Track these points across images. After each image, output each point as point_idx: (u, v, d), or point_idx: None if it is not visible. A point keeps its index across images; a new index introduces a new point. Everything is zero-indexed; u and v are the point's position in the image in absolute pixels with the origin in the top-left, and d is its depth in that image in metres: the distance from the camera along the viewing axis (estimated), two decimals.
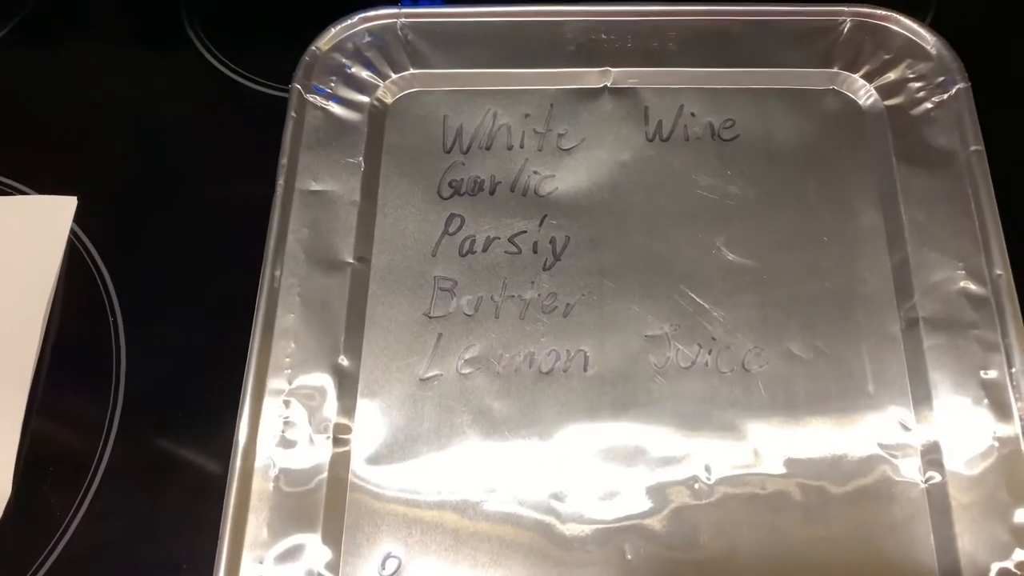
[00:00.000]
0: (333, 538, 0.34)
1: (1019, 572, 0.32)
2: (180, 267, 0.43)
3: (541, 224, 0.40)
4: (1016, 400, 0.35)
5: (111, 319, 0.42)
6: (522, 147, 0.41)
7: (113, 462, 0.38)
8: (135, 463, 0.38)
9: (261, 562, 0.33)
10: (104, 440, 0.39)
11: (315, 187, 0.40)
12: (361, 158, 0.41)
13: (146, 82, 0.48)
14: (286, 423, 0.36)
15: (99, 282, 0.42)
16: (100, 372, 0.40)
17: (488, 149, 0.41)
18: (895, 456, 0.35)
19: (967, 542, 0.33)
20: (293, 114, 0.41)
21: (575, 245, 0.39)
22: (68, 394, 0.40)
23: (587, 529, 0.34)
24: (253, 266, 0.39)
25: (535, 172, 0.41)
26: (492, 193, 0.41)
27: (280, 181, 0.40)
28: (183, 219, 0.44)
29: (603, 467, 0.35)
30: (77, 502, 0.38)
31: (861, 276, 0.38)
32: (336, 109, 0.42)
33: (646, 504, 0.34)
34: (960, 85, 0.40)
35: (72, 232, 0.43)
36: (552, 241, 0.40)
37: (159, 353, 0.40)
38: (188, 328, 0.41)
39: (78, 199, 0.44)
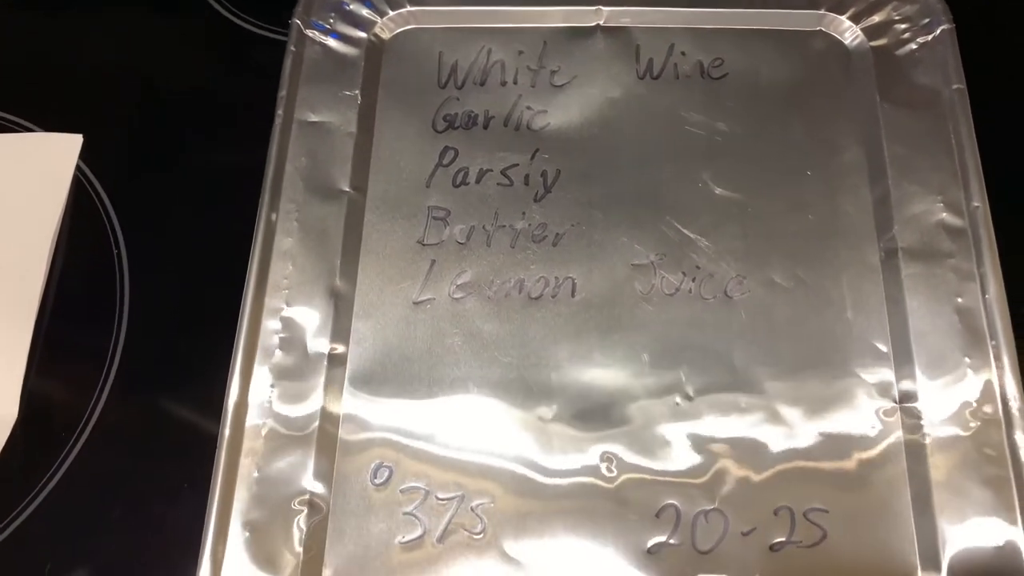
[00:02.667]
0: (327, 449, 0.36)
1: (987, 488, 0.33)
2: (184, 201, 0.44)
3: (533, 158, 0.41)
4: (988, 325, 0.36)
5: (115, 251, 0.43)
6: (515, 83, 0.42)
7: (117, 386, 0.40)
8: (138, 387, 0.40)
9: (257, 470, 0.35)
10: (108, 365, 0.40)
11: (313, 118, 0.41)
12: (358, 92, 0.42)
13: (151, 24, 0.49)
14: (283, 340, 0.37)
15: (103, 216, 0.44)
16: (105, 300, 0.41)
17: (482, 85, 0.42)
18: (870, 378, 0.36)
19: (939, 460, 0.34)
20: (292, 48, 0.42)
21: (566, 178, 0.41)
22: (74, 321, 0.42)
23: (570, 445, 0.35)
24: (255, 199, 0.40)
25: (528, 108, 0.42)
26: (486, 127, 0.42)
27: (279, 111, 0.41)
28: (186, 155, 0.45)
29: (588, 386, 0.37)
30: (81, 424, 0.39)
31: (843, 209, 0.39)
32: (334, 44, 0.43)
33: (627, 421, 0.36)
34: (944, 26, 0.41)
35: (79, 169, 0.44)
36: (543, 174, 0.41)
37: (163, 282, 0.42)
38: (191, 258, 0.42)
39: (85, 138, 0.45)
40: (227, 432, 0.35)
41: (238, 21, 0.48)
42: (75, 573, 0.36)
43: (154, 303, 0.42)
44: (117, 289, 0.42)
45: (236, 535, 0.34)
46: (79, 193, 0.44)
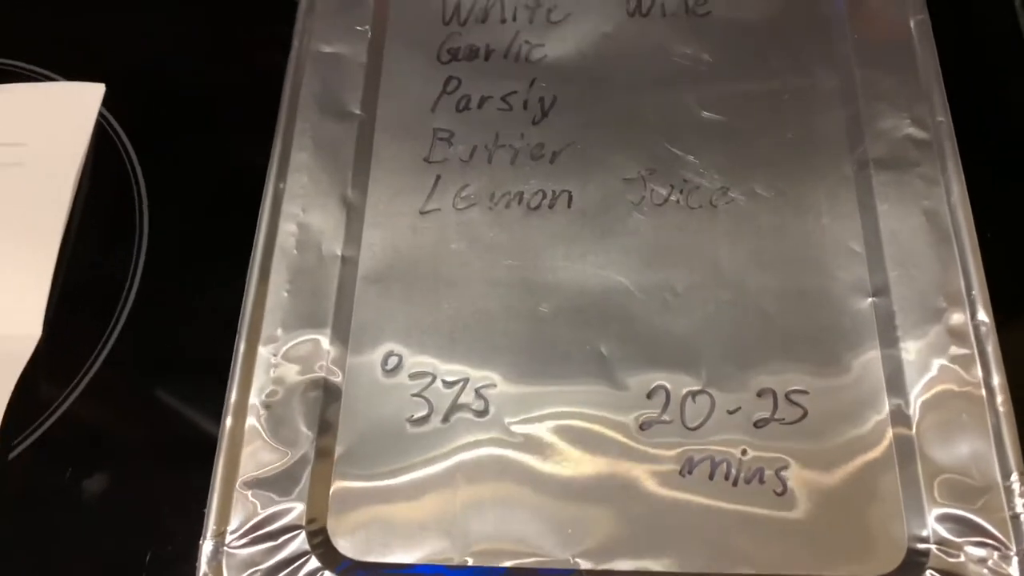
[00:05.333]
0: (341, 337, 0.38)
1: (954, 365, 0.36)
2: (200, 141, 0.46)
3: (531, 85, 0.44)
4: (953, 224, 0.39)
5: (135, 187, 0.45)
6: (514, 20, 0.46)
7: (136, 308, 0.42)
8: (156, 308, 0.42)
9: (275, 355, 0.37)
10: (128, 289, 0.43)
11: (327, 49, 0.44)
12: (368, 26, 0.45)
13: None
14: (299, 242, 0.40)
15: (124, 157, 0.46)
16: (125, 231, 0.44)
17: (483, 22, 0.46)
18: (846, 276, 0.39)
19: (910, 345, 0.37)
20: None
21: (561, 104, 0.44)
22: (96, 250, 0.44)
23: (567, 336, 0.38)
24: (268, 139, 0.43)
25: (526, 42, 0.45)
26: (487, 59, 0.45)
27: (295, 42, 0.44)
28: (206, 92, 0.48)
29: (583, 285, 0.39)
30: (102, 342, 0.41)
31: (818, 127, 0.42)
32: None
33: (620, 315, 0.38)
34: None
35: (103, 117, 0.47)
36: (541, 100, 0.44)
37: (180, 213, 0.44)
38: (208, 192, 0.45)
39: (110, 85, 0.47)
40: (246, 326, 0.38)
41: None
42: (94, 476, 0.39)
43: (172, 232, 0.44)
44: (136, 221, 0.44)
45: (254, 416, 0.36)
46: (102, 137, 0.47)
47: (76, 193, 0.45)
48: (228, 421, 0.36)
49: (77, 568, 0.37)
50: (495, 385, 0.37)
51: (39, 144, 0.46)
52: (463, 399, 0.37)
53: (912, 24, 0.43)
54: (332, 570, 0.33)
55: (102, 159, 0.46)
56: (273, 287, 0.39)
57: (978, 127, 0.42)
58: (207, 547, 0.34)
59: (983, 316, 0.37)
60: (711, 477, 0.35)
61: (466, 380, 0.37)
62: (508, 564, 0.33)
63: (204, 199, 0.45)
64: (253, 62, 0.48)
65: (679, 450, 0.35)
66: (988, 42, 0.46)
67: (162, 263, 0.43)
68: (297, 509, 0.34)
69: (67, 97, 0.48)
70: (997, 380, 0.35)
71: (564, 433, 0.36)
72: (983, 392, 0.35)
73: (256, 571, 0.33)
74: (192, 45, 0.50)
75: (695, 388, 0.37)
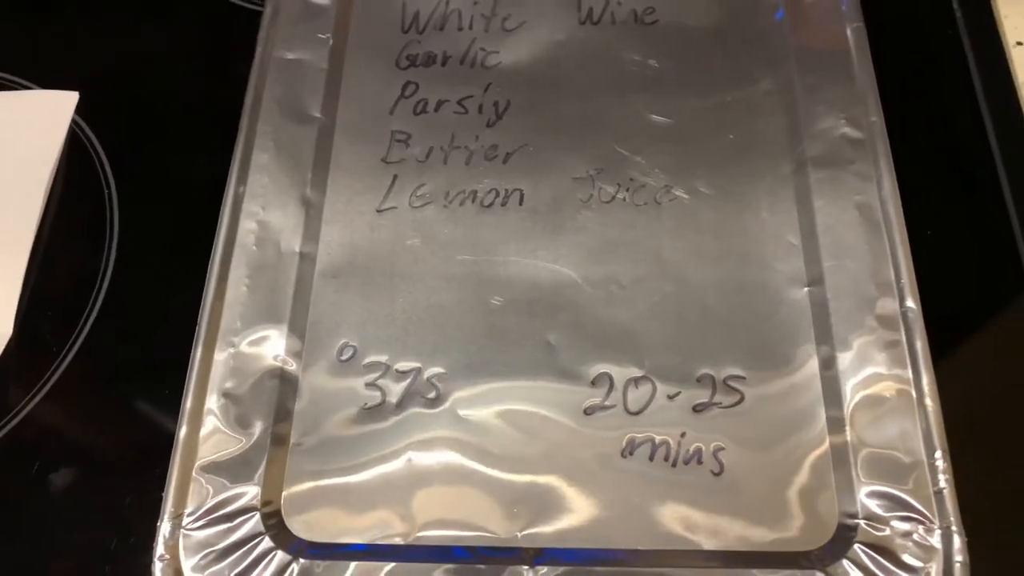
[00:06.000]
0: (298, 330, 0.40)
1: (883, 350, 0.38)
2: (169, 145, 0.48)
3: (486, 90, 0.46)
4: (884, 217, 0.41)
5: (107, 191, 0.47)
6: (471, 28, 0.48)
7: (105, 308, 0.43)
8: (126, 308, 0.44)
9: (233, 347, 0.39)
10: (97, 290, 0.44)
11: (289, 56, 0.46)
12: (330, 34, 0.47)
13: None
14: (259, 239, 0.41)
15: (96, 162, 0.48)
16: (95, 233, 0.45)
17: (441, 30, 0.48)
18: (783, 267, 0.40)
19: (843, 332, 0.38)
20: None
21: (515, 107, 0.45)
22: (67, 251, 0.46)
23: (517, 327, 0.40)
24: (233, 142, 0.45)
25: (482, 49, 0.47)
26: (443, 65, 0.47)
27: (259, 49, 0.46)
28: (175, 99, 0.50)
29: (533, 278, 0.41)
30: (70, 342, 0.43)
31: (759, 129, 0.44)
32: None
33: (568, 306, 0.40)
34: None
35: (77, 124, 0.49)
36: (495, 104, 0.46)
37: (149, 216, 0.46)
38: (175, 196, 0.47)
39: (84, 94, 0.49)
40: (206, 319, 0.39)
41: None
42: (61, 470, 0.40)
43: (142, 235, 0.46)
44: (107, 224, 0.46)
45: (213, 404, 0.38)
46: (75, 144, 0.48)
47: (48, 197, 0.46)
48: (187, 406, 0.37)
49: (43, 559, 0.38)
50: (447, 374, 0.38)
51: (13, 150, 0.47)
52: (415, 388, 0.38)
53: (849, 31, 0.45)
54: (285, 550, 0.35)
55: (75, 165, 0.48)
56: (233, 282, 0.40)
57: (910, 127, 0.44)
58: (164, 529, 0.35)
59: (911, 303, 0.38)
60: (651, 458, 0.36)
61: (419, 370, 0.38)
62: (455, 543, 0.35)
63: (174, 203, 0.47)
64: (220, 69, 0.50)
65: (621, 434, 0.37)
66: (922, 45, 0.49)
67: (132, 265, 0.45)
68: (252, 492, 0.36)
69: (42, 105, 0.50)
70: (923, 364, 0.37)
71: (512, 419, 0.38)
72: (910, 375, 0.37)
73: (211, 552, 0.34)
74: (162, 54, 0.52)
75: (638, 375, 0.38)
